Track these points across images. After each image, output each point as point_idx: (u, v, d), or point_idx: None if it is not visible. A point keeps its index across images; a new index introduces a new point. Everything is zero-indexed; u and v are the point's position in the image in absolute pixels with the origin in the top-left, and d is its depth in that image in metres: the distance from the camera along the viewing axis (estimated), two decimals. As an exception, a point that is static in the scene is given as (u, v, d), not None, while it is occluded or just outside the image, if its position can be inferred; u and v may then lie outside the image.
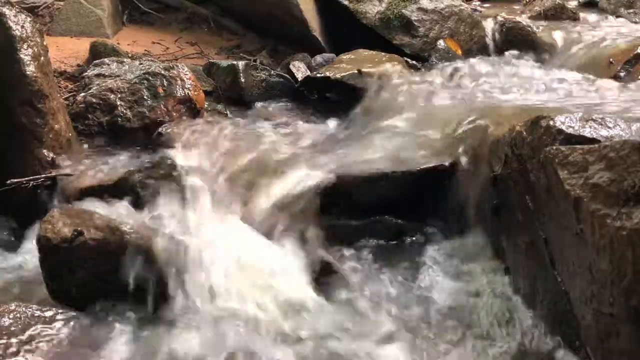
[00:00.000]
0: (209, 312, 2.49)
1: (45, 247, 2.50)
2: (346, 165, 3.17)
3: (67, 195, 3.05)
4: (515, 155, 2.48)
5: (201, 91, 3.85)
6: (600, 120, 2.43)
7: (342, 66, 4.11)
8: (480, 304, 2.61)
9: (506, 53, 4.72)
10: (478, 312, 2.58)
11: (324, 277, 2.74)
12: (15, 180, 3.06)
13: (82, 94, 3.65)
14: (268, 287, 2.60)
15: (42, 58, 3.26)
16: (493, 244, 2.84)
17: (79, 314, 2.42)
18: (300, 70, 4.27)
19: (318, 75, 4.08)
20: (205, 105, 3.86)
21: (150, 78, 3.68)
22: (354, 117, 3.83)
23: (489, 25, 4.93)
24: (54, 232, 2.50)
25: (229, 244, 2.73)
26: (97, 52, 4.29)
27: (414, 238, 3.06)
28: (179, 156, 3.17)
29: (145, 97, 3.62)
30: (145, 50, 4.77)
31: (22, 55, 3.16)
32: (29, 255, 2.88)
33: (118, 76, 3.71)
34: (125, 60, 3.98)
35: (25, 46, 3.18)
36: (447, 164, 3.09)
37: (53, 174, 3.16)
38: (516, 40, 4.84)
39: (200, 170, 3.14)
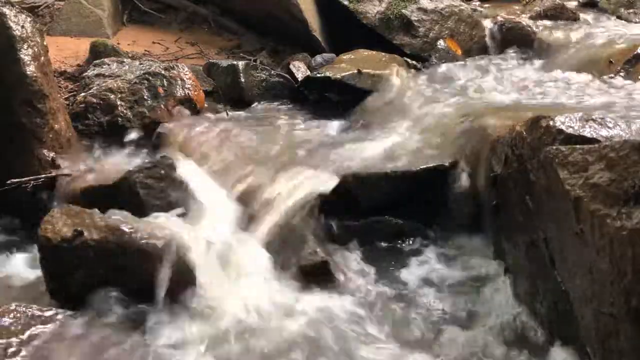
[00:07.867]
0: (210, 314, 2.50)
1: (45, 247, 2.49)
2: (346, 165, 3.17)
3: (67, 195, 3.05)
4: (515, 155, 2.48)
5: (201, 91, 3.85)
6: (600, 120, 2.43)
7: (342, 66, 4.11)
8: (480, 304, 2.62)
9: (506, 53, 4.73)
10: (478, 312, 2.58)
11: (323, 278, 2.74)
12: (16, 180, 3.06)
13: (82, 94, 3.65)
14: (266, 292, 2.60)
15: (42, 58, 3.26)
16: (493, 244, 2.84)
17: (79, 313, 2.41)
18: (300, 70, 4.27)
19: (318, 75, 4.08)
20: (205, 105, 3.86)
21: (150, 78, 3.68)
22: (353, 117, 3.83)
23: (489, 25, 4.94)
24: (54, 232, 2.49)
25: (228, 244, 2.75)
26: (97, 52, 4.29)
27: (414, 238, 3.06)
28: (179, 156, 3.16)
29: (145, 97, 3.62)
30: (145, 50, 4.77)
31: (22, 55, 3.16)
32: (29, 255, 2.88)
33: (118, 76, 3.71)
34: (125, 60, 3.99)
35: (25, 46, 3.18)
36: (447, 164, 3.10)
37: (53, 174, 3.16)
38: (516, 40, 4.84)
39: (199, 171, 3.14)
